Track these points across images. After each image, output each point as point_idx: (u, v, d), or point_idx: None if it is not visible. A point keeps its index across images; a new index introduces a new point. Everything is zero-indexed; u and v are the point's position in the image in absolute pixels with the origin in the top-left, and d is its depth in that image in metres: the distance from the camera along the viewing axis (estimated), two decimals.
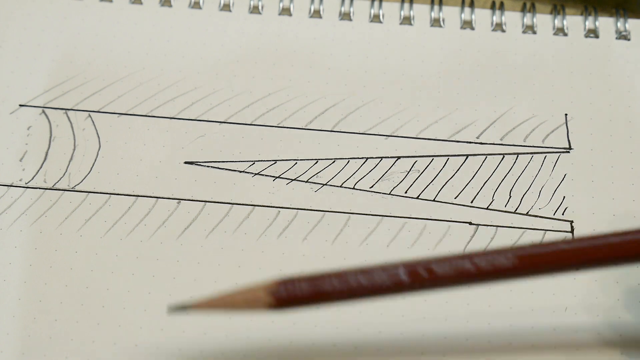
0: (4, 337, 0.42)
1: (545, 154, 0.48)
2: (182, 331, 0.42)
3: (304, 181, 0.47)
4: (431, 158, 0.48)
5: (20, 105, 0.49)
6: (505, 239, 0.45)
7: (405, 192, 0.47)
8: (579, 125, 0.49)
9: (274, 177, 0.47)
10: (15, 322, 0.42)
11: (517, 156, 0.48)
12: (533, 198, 0.47)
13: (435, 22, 0.53)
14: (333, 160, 0.48)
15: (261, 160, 0.48)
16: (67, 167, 0.47)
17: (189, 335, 0.42)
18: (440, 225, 0.46)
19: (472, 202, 0.47)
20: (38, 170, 0.47)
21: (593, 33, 0.53)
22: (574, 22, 0.53)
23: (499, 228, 0.46)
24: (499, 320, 0.43)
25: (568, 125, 0.49)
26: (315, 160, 0.48)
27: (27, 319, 0.43)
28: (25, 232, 0.45)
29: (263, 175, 0.47)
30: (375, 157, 0.48)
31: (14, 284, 0.44)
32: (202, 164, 0.48)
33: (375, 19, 0.53)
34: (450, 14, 0.53)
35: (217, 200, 0.46)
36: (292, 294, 0.37)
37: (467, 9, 0.53)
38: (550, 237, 0.45)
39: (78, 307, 0.43)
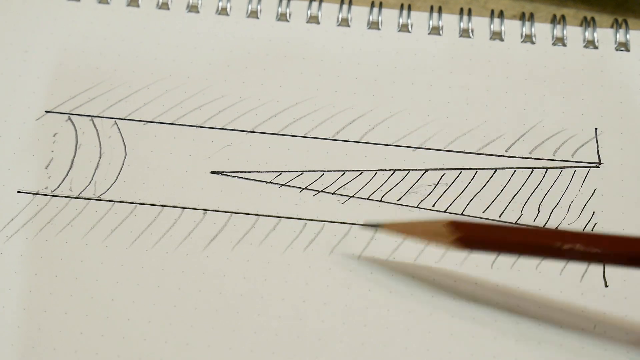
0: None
1: (574, 169, 0.48)
2: (207, 346, 0.42)
3: (330, 193, 0.47)
4: (459, 171, 0.48)
5: (47, 112, 0.49)
6: None
7: (433, 206, 0.46)
8: (609, 139, 0.49)
9: (300, 188, 0.47)
10: (42, 334, 0.42)
11: (546, 170, 0.48)
12: (562, 213, 0.46)
13: (464, 33, 0.52)
14: (360, 172, 0.47)
15: (288, 171, 0.47)
16: (93, 175, 0.47)
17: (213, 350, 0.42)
18: None
19: (500, 216, 0.46)
20: (64, 178, 0.47)
21: (624, 46, 0.52)
22: (604, 35, 0.52)
23: None
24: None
25: (598, 139, 0.49)
26: (342, 172, 0.47)
27: (53, 331, 0.42)
28: (50, 242, 0.45)
29: (289, 186, 0.47)
30: (403, 169, 0.48)
31: (39, 295, 0.43)
32: (228, 174, 0.47)
33: (404, 28, 0.53)
34: (479, 25, 0.53)
35: (243, 212, 0.46)
36: (473, 235, 0.40)
37: (496, 20, 0.53)
38: None
39: (103, 321, 0.43)
